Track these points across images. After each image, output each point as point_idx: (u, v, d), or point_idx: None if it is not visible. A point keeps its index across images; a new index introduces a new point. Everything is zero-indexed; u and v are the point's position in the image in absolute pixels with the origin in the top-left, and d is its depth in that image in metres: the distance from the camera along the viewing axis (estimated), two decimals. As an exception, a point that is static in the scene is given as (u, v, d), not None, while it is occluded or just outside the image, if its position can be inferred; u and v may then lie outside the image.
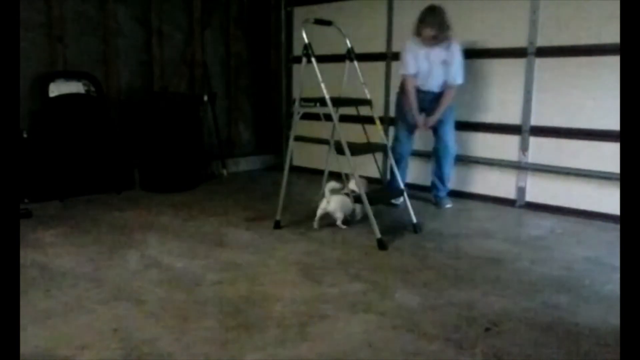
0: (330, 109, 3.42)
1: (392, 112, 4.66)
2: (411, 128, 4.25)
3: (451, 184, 4.41)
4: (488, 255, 3.19)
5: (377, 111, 3.92)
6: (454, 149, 4.24)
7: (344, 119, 3.81)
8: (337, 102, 3.58)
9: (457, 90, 4.08)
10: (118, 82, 4.96)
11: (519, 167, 4.29)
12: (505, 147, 4.36)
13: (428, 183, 4.48)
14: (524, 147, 4.26)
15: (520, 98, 4.22)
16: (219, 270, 2.88)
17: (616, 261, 3.05)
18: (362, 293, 2.60)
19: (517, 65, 4.22)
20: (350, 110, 3.88)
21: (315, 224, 3.66)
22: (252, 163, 6.06)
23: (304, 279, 2.78)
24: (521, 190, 4.32)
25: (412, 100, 4.09)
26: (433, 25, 3.86)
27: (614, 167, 3.70)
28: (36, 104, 4.39)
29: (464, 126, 4.41)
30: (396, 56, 4.96)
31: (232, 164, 5.78)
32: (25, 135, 4.21)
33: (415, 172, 4.75)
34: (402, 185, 3.94)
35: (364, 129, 3.98)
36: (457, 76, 4.02)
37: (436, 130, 4.19)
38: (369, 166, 4.58)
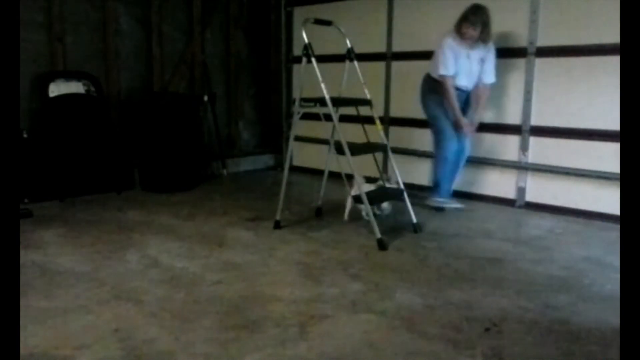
0: (330, 109, 3.42)
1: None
2: (456, 128, 4.08)
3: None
4: (488, 255, 3.19)
5: (377, 111, 3.92)
6: (469, 149, 4.20)
7: (344, 119, 3.81)
8: (337, 102, 3.58)
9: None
10: (118, 82, 4.96)
11: (519, 167, 4.29)
12: (505, 147, 4.36)
13: (425, 182, 4.47)
14: (524, 147, 4.26)
15: (520, 98, 4.22)
16: (218, 270, 2.88)
17: (616, 261, 3.05)
18: (362, 293, 2.60)
19: (517, 65, 4.23)
20: (350, 110, 3.87)
21: (346, 216, 3.78)
22: (252, 163, 6.06)
23: (304, 279, 2.78)
24: (521, 190, 4.32)
25: (454, 101, 3.97)
26: (477, 24, 3.82)
27: (614, 167, 3.70)
28: (36, 104, 4.39)
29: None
30: (396, 56, 4.99)
31: (232, 164, 5.78)
32: (25, 135, 4.21)
33: (416, 172, 4.76)
34: (449, 192, 4.05)
35: (364, 129, 3.98)
36: (493, 74, 4.03)
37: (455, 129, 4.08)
38: (369, 166, 4.58)
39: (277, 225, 3.66)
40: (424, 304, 2.48)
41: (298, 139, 5.16)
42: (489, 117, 4.41)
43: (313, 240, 3.44)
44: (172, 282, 2.70)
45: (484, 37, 3.90)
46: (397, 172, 3.79)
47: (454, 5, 4.50)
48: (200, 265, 2.96)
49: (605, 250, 3.27)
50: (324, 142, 4.12)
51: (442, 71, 3.94)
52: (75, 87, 4.51)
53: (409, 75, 4.90)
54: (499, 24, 4.22)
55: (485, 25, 3.84)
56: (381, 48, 5.03)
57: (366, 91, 3.75)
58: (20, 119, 4.20)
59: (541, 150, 4.18)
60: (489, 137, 4.44)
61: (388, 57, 5.02)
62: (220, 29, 5.75)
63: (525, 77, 4.18)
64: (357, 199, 3.49)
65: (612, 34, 3.63)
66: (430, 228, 3.74)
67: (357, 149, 3.57)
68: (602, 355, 2.05)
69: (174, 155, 4.84)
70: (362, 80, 3.74)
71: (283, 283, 2.72)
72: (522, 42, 4.16)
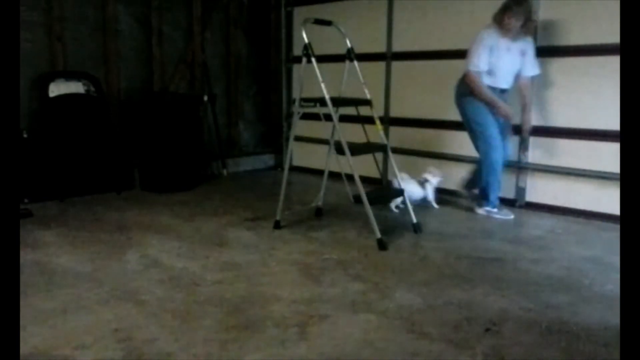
0: (330, 109, 3.42)
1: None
2: (501, 128, 3.91)
3: (452, 185, 4.42)
4: (488, 255, 3.19)
5: (377, 111, 3.92)
6: (508, 152, 4.04)
7: (344, 119, 3.81)
8: (337, 102, 3.58)
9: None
10: (118, 82, 4.96)
11: (519, 167, 4.29)
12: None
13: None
14: (524, 147, 4.26)
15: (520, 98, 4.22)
16: (219, 270, 2.88)
17: (616, 261, 3.05)
18: (362, 293, 2.60)
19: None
20: (350, 110, 3.88)
21: (393, 206, 4.05)
22: (252, 163, 6.07)
23: (304, 279, 2.78)
24: (521, 190, 4.32)
25: (489, 92, 3.78)
26: (520, 15, 3.61)
27: (614, 167, 3.70)
28: (36, 104, 4.38)
29: (464, 126, 4.40)
30: (396, 56, 4.99)
31: (232, 164, 5.78)
32: (25, 135, 4.21)
33: (417, 172, 4.76)
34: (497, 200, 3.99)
35: (364, 129, 3.98)
36: (536, 66, 3.86)
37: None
38: (369, 166, 4.59)
39: (277, 225, 3.66)
40: (424, 304, 2.48)
41: (298, 139, 5.16)
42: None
43: (313, 240, 3.44)
44: (172, 282, 2.70)
45: (527, 30, 3.70)
46: (397, 172, 3.79)
47: (453, 6, 4.51)
48: (200, 265, 2.96)
49: (605, 250, 3.27)
50: (324, 142, 4.12)
51: (470, 66, 3.78)
52: (75, 87, 4.50)
53: (408, 75, 4.91)
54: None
55: (529, 16, 3.65)
56: (381, 48, 5.03)
57: (366, 91, 3.75)
58: (20, 119, 4.20)
59: (541, 150, 4.19)
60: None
61: (388, 57, 5.02)
62: (220, 29, 5.75)
63: (525, 77, 4.17)
64: (357, 199, 3.49)
65: (612, 34, 3.62)
66: (430, 228, 3.74)
67: (357, 149, 3.57)
68: (602, 355, 2.05)
69: (174, 155, 4.84)
70: (362, 80, 3.74)
71: (283, 283, 2.72)
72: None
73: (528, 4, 3.66)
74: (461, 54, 4.15)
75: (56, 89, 4.39)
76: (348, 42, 3.77)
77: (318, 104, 3.46)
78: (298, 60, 4.86)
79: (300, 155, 5.67)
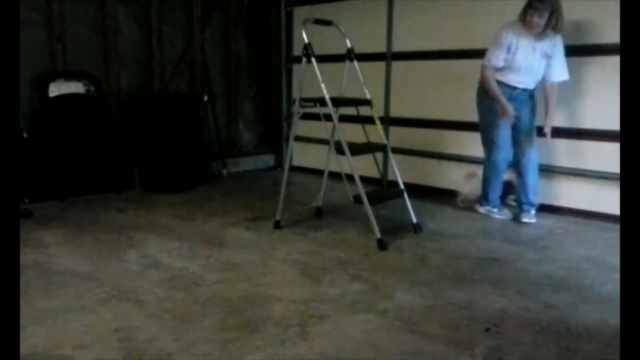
0: (330, 109, 3.42)
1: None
2: (518, 132, 3.81)
3: (452, 184, 4.41)
4: (488, 255, 3.19)
5: (377, 111, 3.92)
6: (537, 156, 3.85)
7: (344, 119, 3.81)
8: (337, 102, 3.58)
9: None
10: (118, 82, 4.96)
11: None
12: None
13: (419, 182, 4.47)
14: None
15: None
16: (219, 270, 2.88)
17: (616, 261, 3.05)
18: (362, 293, 2.60)
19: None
20: (350, 110, 3.88)
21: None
22: (252, 163, 6.06)
23: (304, 279, 2.78)
24: (521, 190, 4.31)
25: (496, 88, 3.67)
26: (544, 11, 3.43)
27: (614, 167, 3.70)
28: (36, 104, 4.39)
29: (464, 126, 4.41)
30: (396, 56, 4.99)
31: (232, 164, 5.78)
32: (25, 135, 4.21)
33: (417, 172, 4.76)
34: (496, 201, 3.97)
35: (364, 129, 3.98)
36: (564, 71, 3.65)
37: (514, 135, 3.82)
38: (369, 166, 4.59)
39: (277, 225, 3.66)
40: (424, 304, 2.48)
41: (298, 139, 5.16)
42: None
43: (313, 240, 3.44)
44: (172, 282, 2.70)
45: (554, 26, 3.50)
46: (397, 172, 3.79)
47: (453, 5, 4.51)
48: (200, 265, 2.96)
49: (605, 250, 3.27)
50: (324, 142, 4.12)
51: (485, 60, 3.71)
52: (75, 87, 4.50)
53: (409, 75, 4.91)
54: (497, 23, 4.22)
55: (553, 12, 3.45)
56: (381, 48, 5.02)
57: (366, 91, 3.75)
58: (20, 119, 4.20)
59: (541, 150, 4.18)
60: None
61: (388, 57, 5.02)
62: (220, 29, 5.74)
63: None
64: (357, 199, 3.49)
65: (612, 34, 3.62)
66: (430, 228, 3.74)
67: (357, 149, 3.57)
68: (602, 355, 2.05)
69: (174, 155, 4.83)
70: (362, 80, 3.74)
71: (283, 283, 2.72)
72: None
73: (553, 1, 3.46)
74: (461, 54, 4.17)
75: (56, 89, 4.39)
76: (348, 42, 3.77)
77: (318, 104, 3.46)
78: (298, 60, 4.86)
79: (300, 155, 5.67)
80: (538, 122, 3.86)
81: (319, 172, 4.32)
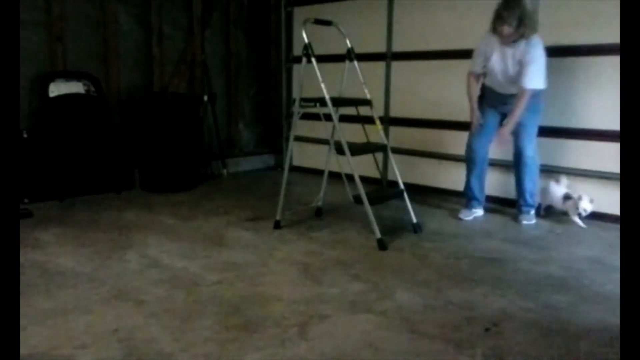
0: (330, 109, 3.42)
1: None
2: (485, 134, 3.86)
3: (451, 184, 4.41)
4: (488, 255, 3.19)
5: (377, 111, 3.92)
6: (534, 158, 3.79)
7: (344, 119, 3.81)
8: (337, 102, 3.58)
9: (530, 95, 3.59)
10: (118, 82, 4.96)
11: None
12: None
13: (419, 182, 4.47)
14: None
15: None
16: (219, 270, 2.88)
17: (616, 261, 3.05)
18: (362, 293, 2.60)
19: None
20: (350, 110, 3.87)
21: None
22: (252, 163, 6.06)
23: (304, 279, 2.78)
24: (521, 190, 4.31)
25: (471, 97, 3.80)
26: (510, 21, 3.40)
27: (614, 167, 3.70)
28: (36, 104, 4.39)
29: (464, 126, 4.40)
30: (396, 56, 4.99)
31: (232, 164, 5.78)
32: (25, 135, 4.21)
33: (417, 172, 4.76)
34: (471, 199, 3.98)
35: (364, 129, 3.98)
36: (531, 80, 3.53)
37: (514, 135, 3.77)
38: (369, 166, 4.58)
39: (277, 225, 3.66)
40: (424, 304, 2.48)
41: (298, 139, 5.16)
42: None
43: (313, 240, 3.44)
44: (172, 282, 2.70)
45: (522, 33, 3.46)
46: (397, 172, 3.79)
47: (453, 5, 4.51)
48: (200, 265, 2.96)
49: (605, 250, 3.27)
50: (324, 142, 4.12)
51: (469, 67, 3.82)
52: (75, 87, 4.51)
53: (409, 75, 4.91)
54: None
55: (520, 20, 3.40)
56: (381, 48, 5.02)
57: (366, 91, 3.75)
58: (20, 119, 4.20)
59: (541, 150, 4.18)
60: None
61: (388, 57, 5.02)
62: (220, 29, 5.75)
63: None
64: (357, 199, 3.49)
65: (612, 34, 3.62)
66: (430, 228, 3.74)
67: (357, 149, 3.57)
68: (602, 356, 2.05)
69: (174, 155, 4.84)
70: (362, 80, 3.74)
71: (283, 283, 2.72)
72: (522, 42, 4.15)
73: (518, 8, 3.41)
74: (461, 54, 4.16)
75: (56, 89, 4.39)
76: (348, 42, 3.77)
77: (318, 104, 3.46)
78: (298, 60, 4.86)
79: (300, 155, 5.67)
80: (544, 122, 3.85)
81: (319, 172, 4.32)
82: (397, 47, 4.96)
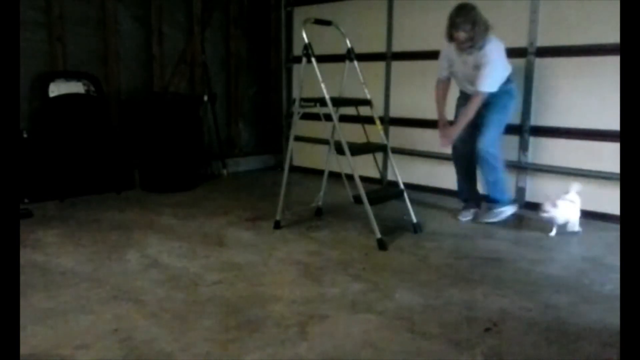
0: (330, 109, 3.42)
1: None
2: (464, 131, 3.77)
3: (450, 184, 4.40)
4: (488, 255, 3.19)
5: (377, 111, 3.92)
6: (488, 153, 3.69)
7: (344, 119, 3.81)
8: (337, 102, 3.58)
9: (483, 98, 3.61)
10: (118, 82, 4.96)
11: (519, 167, 4.29)
12: (505, 147, 4.35)
13: (419, 182, 4.49)
14: (523, 147, 4.25)
15: (520, 98, 4.22)
16: (219, 270, 2.88)
17: (616, 261, 3.05)
18: (362, 293, 2.60)
19: (516, 65, 4.21)
20: (350, 110, 3.88)
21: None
22: (252, 163, 6.07)
23: (304, 279, 2.78)
24: (521, 190, 4.31)
25: (437, 102, 3.88)
26: (464, 28, 3.45)
27: (614, 167, 3.70)
28: (36, 104, 4.39)
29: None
30: (396, 56, 4.99)
31: (232, 164, 5.78)
32: (25, 135, 4.21)
33: (417, 172, 4.76)
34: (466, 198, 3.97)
35: (364, 129, 3.98)
36: (483, 83, 3.56)
37: (477, 132, 3.75)
38: (369, 166, 4.59)
39: (277, 225, 3.66)
40: (424, 304, 2.48)
41: (298, 139, 5.16)
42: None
43: (313, 240, 3.44)
44: (172, 282, 2.70)
45: (478, 40, 3.50)
46: (397, 172, 3.79)
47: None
48: (200, 265, 2.96)
49: (605, 250, 3.27)
50: (324, 142, 4.12)
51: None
52: (75, 87, 4.51)
53: (409, 75, 4.91)
54: (498, 24, 4.22)
55: (474, 26, 3.45)
56: (381, 48, 5.02)
57: (366, 91, 3.75)
58: (20, 119, 4.20)
59: (541, 150, 4.19)
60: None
61: (388, 57, 5.02)
62: (220, 29, 5.75)
63: (524, 77, 4.17)
64: (357, 199, 3.49)
65: (612, 34, 3.63)
66: (430, 228, 3.74)
67: (357, 149, 3.57)
68: (602, 355, 2.05)
69: (174, 155, 4.84)
70: (362, 80, 3.74)
71: (283, 283, 2.73)
72: (522, 42, 4.15)
73: (470, 14, 3.46)
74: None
75: (56, 89, 4.39)
76: (348, 42, 3.77)
77: (318, 104, 3.46)
78: (298, 60, 4.86)
79: (300, 155, 5.66)
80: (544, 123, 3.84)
81: (319, 172, 4.32)
82: (397, 47, 4.96)
